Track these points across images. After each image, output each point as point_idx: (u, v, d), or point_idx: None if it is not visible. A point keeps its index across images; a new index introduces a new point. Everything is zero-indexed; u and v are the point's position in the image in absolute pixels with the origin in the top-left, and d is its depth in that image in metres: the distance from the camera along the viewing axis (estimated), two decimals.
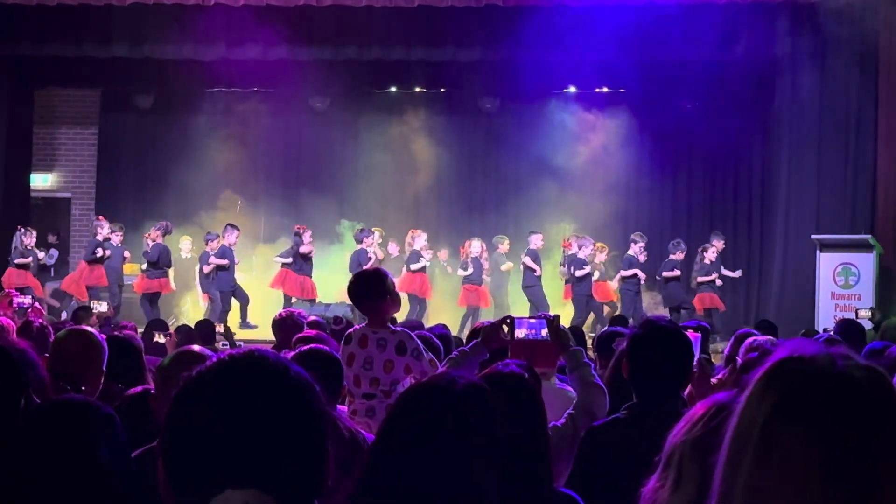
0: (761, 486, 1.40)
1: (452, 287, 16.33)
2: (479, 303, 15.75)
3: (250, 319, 15.41)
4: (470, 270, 15.79)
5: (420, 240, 15.79)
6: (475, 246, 15.88)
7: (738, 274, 16.10)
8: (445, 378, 2.17)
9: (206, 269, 15.66)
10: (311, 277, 15.75)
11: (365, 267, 15.14)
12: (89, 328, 4.56)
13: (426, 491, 1.99)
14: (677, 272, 15.60)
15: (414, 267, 15.54)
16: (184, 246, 16.43)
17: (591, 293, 15.58)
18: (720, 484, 1.45)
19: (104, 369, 4.14)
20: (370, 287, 5.35)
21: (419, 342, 5.31)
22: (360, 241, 15.74)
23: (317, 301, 15.60)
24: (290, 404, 1.56)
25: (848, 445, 1.38)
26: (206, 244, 15.88)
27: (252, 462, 1.50)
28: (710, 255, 15.65)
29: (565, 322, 6.60)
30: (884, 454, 1.39)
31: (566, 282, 15.87)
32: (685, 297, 15.62)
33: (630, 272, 15.54)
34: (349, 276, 15.64)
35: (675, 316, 14.59)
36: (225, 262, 15.52)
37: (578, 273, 15.50)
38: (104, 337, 4.34)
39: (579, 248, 15.72)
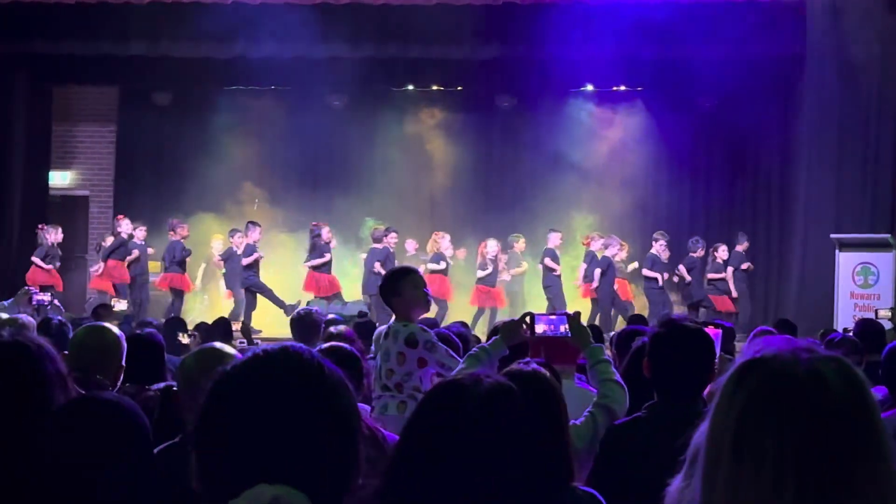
0: (738, 488, 1.43)
1: (470, 286, 16.37)
2: (490, 303, 15.73)
3: (254, 324, 15.41)
4: (489, 270, 15.79)
5: (444, 241, 15.82)
6: (491, 246, 15.87)
7: (746, 266, 15.89)
8: (472, 377, 2.16)
9: (235, 265, 15.69)
10: (329, 273, 15.77)
11: (375, 264, 15.29)
12: (108, 324, 4.57)
13: (452, 489, 1.98)
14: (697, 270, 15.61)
15: (433, 268, 15.54)
16: (215, 245, 16.50)
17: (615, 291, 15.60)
18: (701, 490, 1.48)
19: (122, 365, 4.15)
20: (386, 284, 5.67)
21: (433, 334, 5.44)
22: (378, 241, 15.73)
23: (339, 294, 15.65)
24: (323, 400, 1.56)
25: (819, 437, 1.41)
26: (231, 240, 15.93)
27: (284, 457, 1.50)
28: (721, 253, 15.63)
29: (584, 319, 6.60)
30: (854, 442, 1.42)
31: (584, 280, 15.80)
32: (704, 294, 15.59)
33: (652, 274, 15.53)
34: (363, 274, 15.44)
35: (693, 314, 14.57)
36: (257, 255, 15.59)
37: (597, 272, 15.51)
38: (122, 334, 4.36)
39: (605, 247, 15.69)
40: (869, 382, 1.50)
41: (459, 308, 15.92)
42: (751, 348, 1.54)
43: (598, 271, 15.44)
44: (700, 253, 15.69)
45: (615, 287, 15.62)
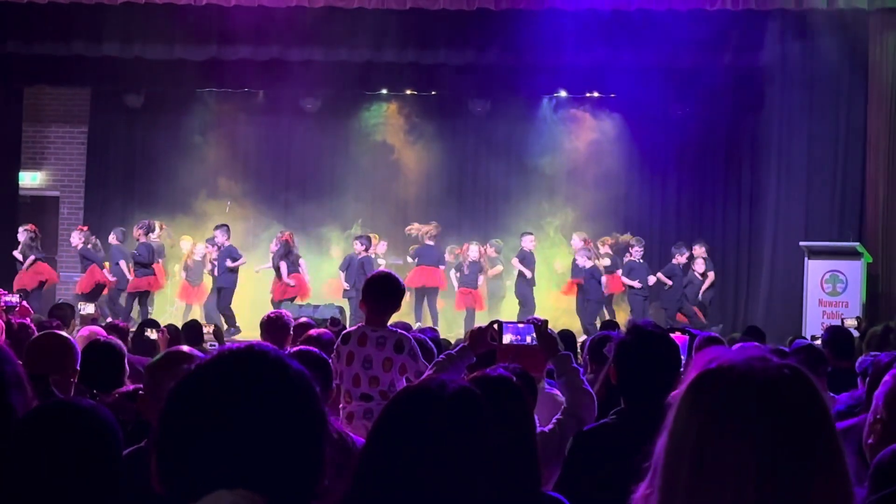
0: (698, 499, 1.44)
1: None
2: (475, 306, 15.75)
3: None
4: (466, 272, 15.85)
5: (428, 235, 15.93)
6: (473, 250, 15.90)
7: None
8: (436, 382, 2.17)
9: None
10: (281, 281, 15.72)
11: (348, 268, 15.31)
12: (62, 332, 4.58)
13: (417, 494, 1.99)
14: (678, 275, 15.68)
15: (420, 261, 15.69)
16: (184, 245, 16.46)
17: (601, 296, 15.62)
18: (659, 501, 1.48)
19: (77, 370, 4.18)
20: (398, 290, 5.52)
21: (415, 344, 5.39)
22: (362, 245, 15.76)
23: (309, 296, 15.64)
24: (289, 402, 1.53)
25: (779, 444, 1.43)
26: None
27: (247, 459, 1.48)
28: (681, 260, 15.72)
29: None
30: (812, 447, 1.44)
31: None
32: (683, 302, 15.58)
33: (628, 282, 15.53)
34: (338, 279, 15.35)
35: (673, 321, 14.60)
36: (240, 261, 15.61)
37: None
38: (76, 340, 4.40)
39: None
40: (823, 387, 1.51)
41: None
42: (702, 358, 1.54)
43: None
44: (679, 259, 15.66)
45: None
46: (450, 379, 2.22)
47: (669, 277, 15.63)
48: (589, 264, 15.46)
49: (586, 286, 15.45)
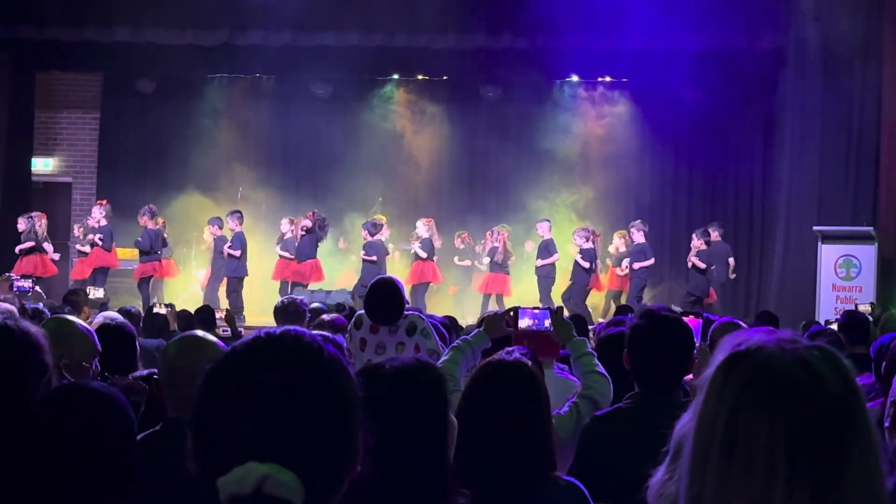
0: (728, 482, 1.42)
1: (448, 272, 16.43)
2: (500, 290, 15.75)
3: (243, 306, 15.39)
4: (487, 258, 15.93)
5: (423, 228, 15.86)
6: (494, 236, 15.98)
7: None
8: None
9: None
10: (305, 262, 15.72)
11: (369, 257, 15.27)
12: (71, 317, 4.56)
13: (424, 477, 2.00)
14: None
15: (423, 255, 15.62)
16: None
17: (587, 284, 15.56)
18: (688, 485, 1.47)
19: (98, 349, 4.14)
20: (400, 300, 5.56)
21: (428, 322, 5.44)
22: (372, 234, 15.69)
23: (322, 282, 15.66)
24: (324, 383, 1.56)
25: (809, 427, 1.41)
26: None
27: (283, 440, 1.50)
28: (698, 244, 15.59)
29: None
30: (843, 429, 1.42)
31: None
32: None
33: (646, 262, 15.42)
34: (356, 265, 15.28)
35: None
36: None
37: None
38: (85, 325, 4.34)
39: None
40: (854, 370, 1.50)
41: (439, 295, 15.99)
42: (730, 341, 1.53)
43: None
44: (697, 243, 15.34)
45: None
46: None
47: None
48: (588, 246, 15.34)
49: (575, 269, 15.42)
